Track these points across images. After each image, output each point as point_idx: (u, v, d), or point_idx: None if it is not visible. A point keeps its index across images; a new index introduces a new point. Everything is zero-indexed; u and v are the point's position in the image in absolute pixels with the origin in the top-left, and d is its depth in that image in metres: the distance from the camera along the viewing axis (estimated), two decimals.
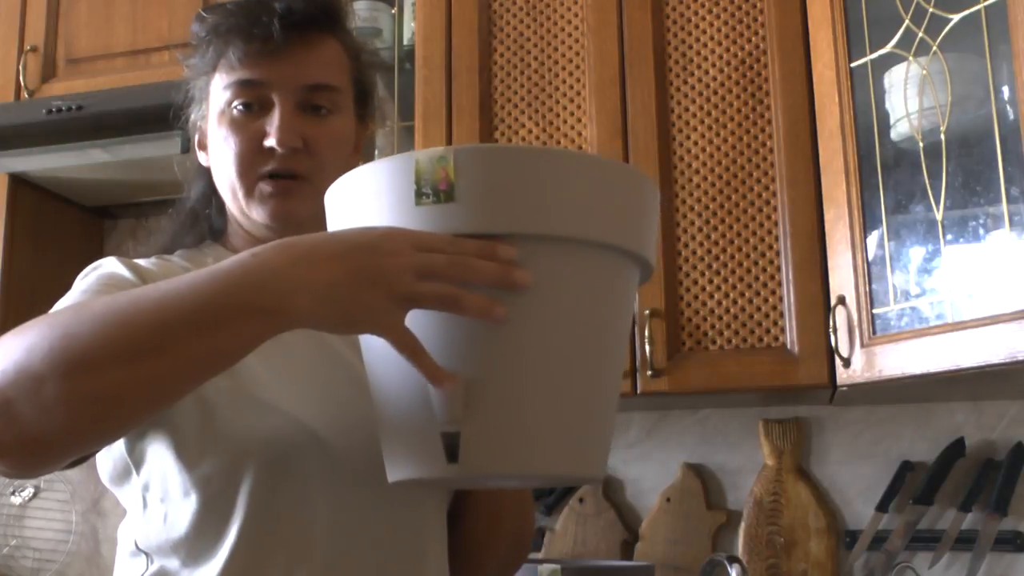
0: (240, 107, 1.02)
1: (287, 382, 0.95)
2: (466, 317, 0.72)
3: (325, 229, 1.05)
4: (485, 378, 0.74)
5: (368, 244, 0.72)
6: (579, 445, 0.78)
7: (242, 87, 1.01)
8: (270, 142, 1.00)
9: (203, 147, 1.10)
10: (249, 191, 1.02)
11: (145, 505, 0.96)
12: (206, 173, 1.10)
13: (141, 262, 1.03)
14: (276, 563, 0.92)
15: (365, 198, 0.77)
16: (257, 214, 1.02)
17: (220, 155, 1.03)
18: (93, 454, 0.92)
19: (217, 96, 1.04)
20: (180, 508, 0.93)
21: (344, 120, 1.06)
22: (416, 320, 0.74)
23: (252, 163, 1.01)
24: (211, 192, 1.10)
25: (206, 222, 1.11)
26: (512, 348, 0.74)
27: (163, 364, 0.72)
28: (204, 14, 1.07)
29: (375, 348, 0.79)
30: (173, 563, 0.94)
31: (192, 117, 1.11)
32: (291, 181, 1.02)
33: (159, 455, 0.94)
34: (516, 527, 1.11)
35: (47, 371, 0.71)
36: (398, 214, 0.74)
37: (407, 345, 0.73)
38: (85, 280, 1.00)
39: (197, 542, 0.92)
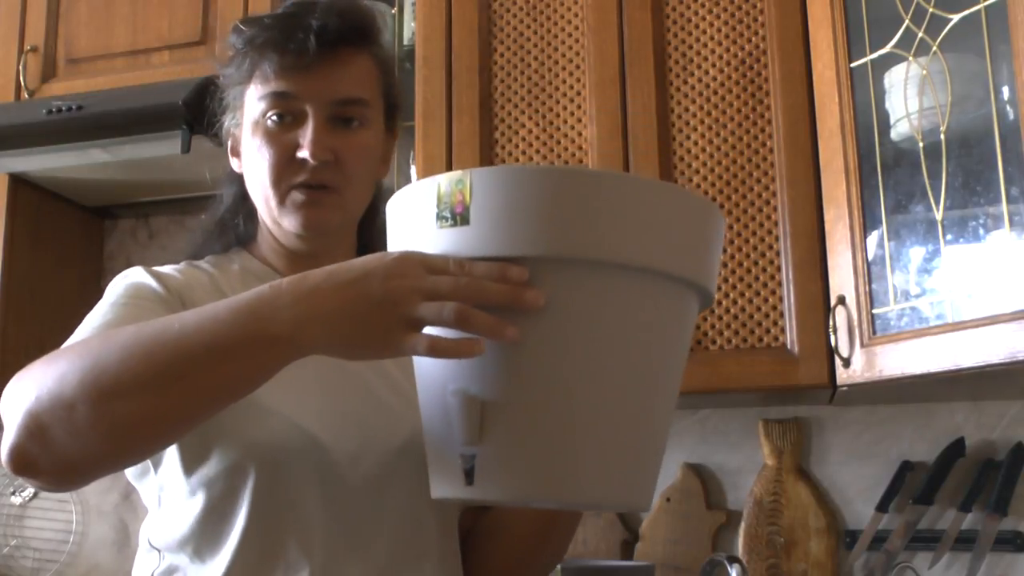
0: (274, 118, 1.05)
1: (289, 388, 0.96)
2: (476, 335, 0.72)
3: (353, 238, 1.13)
4: (501, 400, 0.74)
5: (378, 270, 0.74)
6: (610, 473, 0.75)
7: (276, 99, 1.05)
8: (303, 154, 1.03)
9: (236, 154, 1.13)
10: (281, 200, 1.05)
11: (160, 503, 1.00)
12: (238, 179, 1.13)
13: (166, 269, 1.07)
14: (278, 563, 0.95)
15: (397, 221, 0.80)
16: (288, 222, 1.05)
17: (254, 164, 1.07)
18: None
19: (252, 106, 1.07)
20: (187, 507, 0.97)
21: (373, 133, 1.09)
22: None
23: (284, 173, 1.04)
24: (242, 198, 1.13)
25: (234, 229, 1.15)
26: (527, 371, 0.73)
27: (185, 392, 0.77)
28: (242, 26, 1.11)
29: (416, 368, 0.80)
30: (182, 559, 0.97)
31: (226, 124, 1.13)
32: (322, 192, 1.05)
33: (171, 456, 0.97)
34: (562, 545, 1.11)
35: (78, 399, 0.77)
36: (422, 237, 0.76)
37: (431, 348, 0.73)
38: (113, 291, 1.02)
39: (203, 540, 0.96)
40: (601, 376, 0.74)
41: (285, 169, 1.04)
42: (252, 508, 0.94)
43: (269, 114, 1.05)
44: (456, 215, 0.74)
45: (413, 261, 0.74)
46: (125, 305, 0.98)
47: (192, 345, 0.76)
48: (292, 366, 0.89)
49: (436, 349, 0.73)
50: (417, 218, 0.77)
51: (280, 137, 1.04)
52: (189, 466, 0.96)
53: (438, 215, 0.75)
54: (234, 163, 1.13)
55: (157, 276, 1.04)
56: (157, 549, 1.00)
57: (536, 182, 0.73)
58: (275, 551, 0.95)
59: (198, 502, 0.96)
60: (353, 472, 0.98)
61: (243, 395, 0.80)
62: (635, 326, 0.75)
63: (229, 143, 1.13)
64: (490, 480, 0.74)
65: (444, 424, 0.76)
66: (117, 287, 1.03)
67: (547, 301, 0.72)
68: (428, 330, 0.74)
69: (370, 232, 1.16)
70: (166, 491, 0.99)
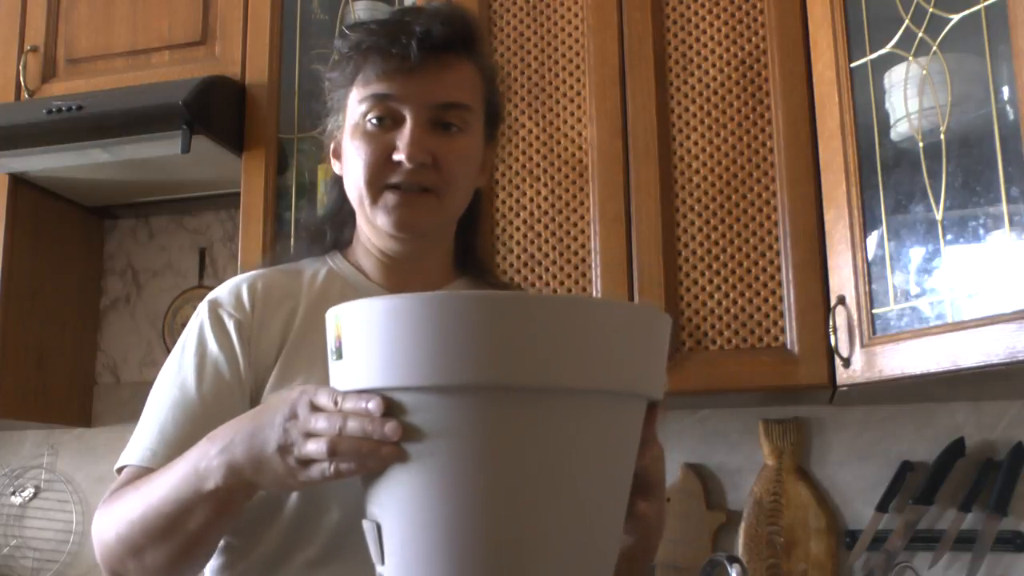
0: (373, 120, 1.07)
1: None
2: (352, 469, 0.78)
3: (450, 243, 1.17)
4: (392, 525, 0.77)
5: (278, 415, 0.84)
6: None
7: (376, 100, 1.06)
8: (399, 156, 1.05)
9: (337, 156, 1.15)
10: (374, 200, 1.07)
11: None
12: (339, 183, 1.15)
13: (243, 290, 1.11)
14: (293, 551, 1.01)
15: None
16: (382, 222, 1.07)
17: (351, 164, 1.09)
18: None
19: (353, 109, 1.09)
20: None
21: (473, 139, 1.10)
22: None
23: (380, 173, 1.06)
24: (341, 201, 1.15)
25: (333, 232, 1.18)
26: (411, 496, 0.75)
27: (182, 537, 0.92)
28: (347, 31, 1.12)
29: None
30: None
31: (329, 127, 1.15)
32: (417, 194, 1.07)
33: None
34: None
35: (126, 553, 0.96)
36: (329, 367, 0.82)
37: (321, 479, 0.81)
38: (189, 338, 1.09)
39: (249, 521, 1.03)
40: (491, 496, 0.73)
41: (381, 170, 1.06)
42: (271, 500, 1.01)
43: (369, 116, 1.07)
44: (337, 349, 0.79)
45: (303, 402, 0.82)
46: (198, 363, 1.06)
47: (171, 503, 0.91)
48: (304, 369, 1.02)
49: (320, 479, 0.81)
50: (325, 348, 0.83)
51: (378, 138, 1.06)
52: None
53: (330, 348, 0.81)
54: (335, 166, 1.15)
55: (230, 306, 1.09)
56: None
57: (392, 314, 0.74)
58: (316, 523, 1.00)
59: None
60: None
61: (231, 521, 0.94)
62: (520, 443, 0.73)
63: (331, 146, 1.15)
64: None
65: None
66: (192, 332, 1.09)
67: (425, 428, 0.74)
68: None
69: (471, 237, 1.19)
70: None
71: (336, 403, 0.79)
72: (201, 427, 0.96)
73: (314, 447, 0.79)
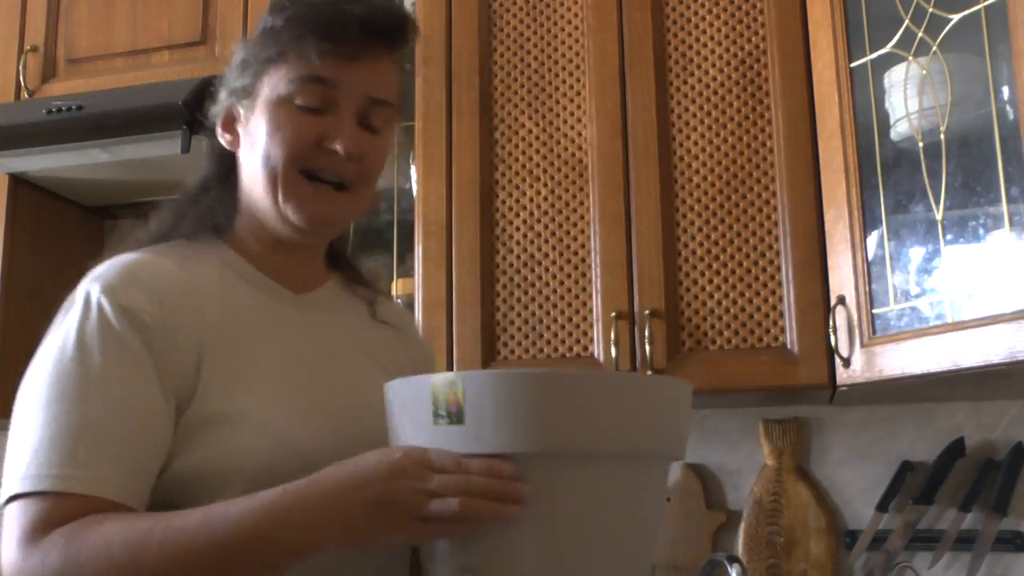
0: (304, 102, 1.01)
1: (278, 401, 0.97)
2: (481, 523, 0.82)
3: (350, 236, 1.09)
4: (491, 571, 0.84)
5: (384, 471, 0.82)
6: None
7: (313, 83, 1.01)
8: (336, 145, 1.00)
9: (230, 130, 1.07)
10: (289, 186, 1.01)
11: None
12: (221, 157, 1.08)
13: (136, 294, 0.96)
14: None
15: (398, 414, 0.89)
16: (293, 213, 1.02)
17: (267, 142, 1.02)
18: None
19: (277, 85, 1.02)
20: None
21: (390, 138, 1.08)
22: None
23: (303, 158, 1.01)
24: (223, 177, 1.08)
25: (209, 212, 1.08)
26: (520, 550, 0.83)
27: None
28: (284, 2, 1.05)
29: (435, 544, 0.89)
30: None
31: (223, 97, 1.08)
32: (335, 189, 1.02)
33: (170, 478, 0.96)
34: None
35: None
36: (421, 431, 0.85)
37: (441, 533, 0.84)
38: (85, 348, 0.93)
39: None
40: (588, 550, 0.84)
41: (306, 155, 1.01)
42: None
43: (299, 97, 1.01)
44: (451, 415, 0.83)
45: (416, 460, 0.82)
46: (105, 382, 0.91)
47: (226, 556, 0.83)
48: (260, 373, 0.96)
49: (433, 536, 0.84)
50: (412, 414, 0.86)
51: (307, 122, 1.01)
52: (186, 489, 0.94)
53: (435, 413, 0.84)
54: (224, 139, 1.07)
55: (132, 318, 0.94)
56: None
57: (523, 386, 0.82)
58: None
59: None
60: None
61: None
62: (618, 502, 0.86)
63: (222, 116, 1.08)
64: None
65: None
66: (90, 341, 0.93)
67: (536, 490, 0.82)
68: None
69: (342, 235, 1.16)
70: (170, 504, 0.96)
71: (459, 465, 0.81)
72: (150, 444, 0.89)
73: (442, 506, 0.81)
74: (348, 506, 0.82)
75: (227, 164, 1.08)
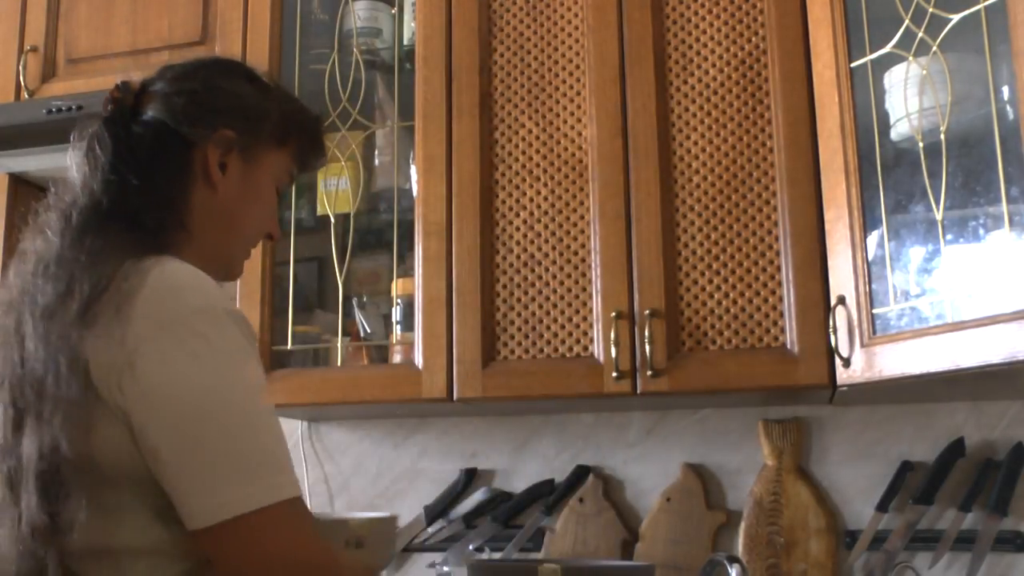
0: (281, 191, 1.21)
1: None
2: None
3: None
4: None
5: None
6: None
7: (291, 183, 1.24)
8: (274, 234, 1.22)
9: (227, 169, 1.14)
10: (236, 263, 1.19)
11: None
12: (191, 182, 1.12)
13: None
14: None
15: None
16: (221, 278, 1.15)
17: (249, 223, 1.18)
18: None
19: (278, 167, 1.19)
20: None
21: None
22: None
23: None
24: (183, 200, 1.12)
25: (158, 227, 1.09)
26: None
27: None
28: (290, 100, 1.24)
29: None
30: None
31: (236, 131, 1.14)
32: None
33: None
34: None
35: None
36: None
37: None
38: (244, 350, 1.02)
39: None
40: None
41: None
42: None
43: (283, 186, 1.20)
44: None
45: None
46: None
47: None
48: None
49: None
50: None
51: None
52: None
53: None
54: (216, 173, 1.12)
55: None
56: None
57: None
58: None
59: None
60: None
61: None
62: None
63: (220, 150, 1.12)
64: None
65: None
66: (239, 346, 1.01)
67: None
68: None
69: None
70: None
71: None
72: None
73: None
74: None
75: (190, 190, 1.13)
